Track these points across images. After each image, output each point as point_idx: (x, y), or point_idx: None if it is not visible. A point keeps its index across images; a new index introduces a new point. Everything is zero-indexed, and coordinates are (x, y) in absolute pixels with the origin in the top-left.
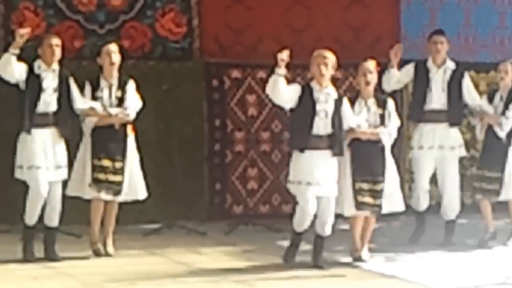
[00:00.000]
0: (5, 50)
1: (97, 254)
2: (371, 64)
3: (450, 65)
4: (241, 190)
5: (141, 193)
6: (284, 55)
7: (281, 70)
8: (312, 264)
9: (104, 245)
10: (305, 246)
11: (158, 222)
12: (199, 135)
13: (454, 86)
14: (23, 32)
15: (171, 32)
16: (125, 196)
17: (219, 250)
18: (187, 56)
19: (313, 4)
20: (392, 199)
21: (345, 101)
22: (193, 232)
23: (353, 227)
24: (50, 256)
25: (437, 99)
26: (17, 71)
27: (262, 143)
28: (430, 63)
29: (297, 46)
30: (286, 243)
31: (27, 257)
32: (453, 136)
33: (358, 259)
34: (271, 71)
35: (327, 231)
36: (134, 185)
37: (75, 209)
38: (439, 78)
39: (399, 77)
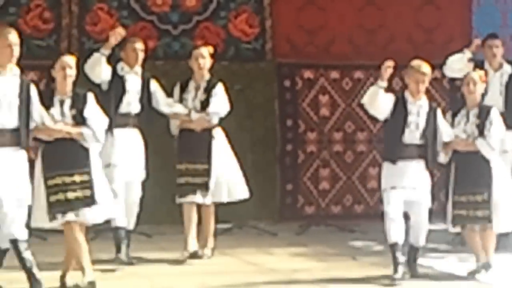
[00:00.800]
0: (80, 50)
1: (193, 256)
2: (475, 75)
3: (507, 68)
4: (313, 191)
5: (243, 193)
6: (390, 64)
7: (383, 83)
8: (408, 274)
9: (203, 247)
10: (377, 247)
11: (229, 222)
12: (271, 135)
13: (511, 90)
14: (120, 32)
15: (244, 33)
16: (227, 197)
17: (290, 250)
18: (259, 57)
19: (385, 5)
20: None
21: (439, 112)
22: (264, 233)
23: (468, 241)
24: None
25: (494, 102)
26: (104, 72)
27: (334, 143)
28: (487, 67)
29: (369, 46)
30: (358, 244)
31: None
32: (510, 139)
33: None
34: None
35: (421, 241)
36: (234, 184)
37: (144, 209)
38: (496, 82)
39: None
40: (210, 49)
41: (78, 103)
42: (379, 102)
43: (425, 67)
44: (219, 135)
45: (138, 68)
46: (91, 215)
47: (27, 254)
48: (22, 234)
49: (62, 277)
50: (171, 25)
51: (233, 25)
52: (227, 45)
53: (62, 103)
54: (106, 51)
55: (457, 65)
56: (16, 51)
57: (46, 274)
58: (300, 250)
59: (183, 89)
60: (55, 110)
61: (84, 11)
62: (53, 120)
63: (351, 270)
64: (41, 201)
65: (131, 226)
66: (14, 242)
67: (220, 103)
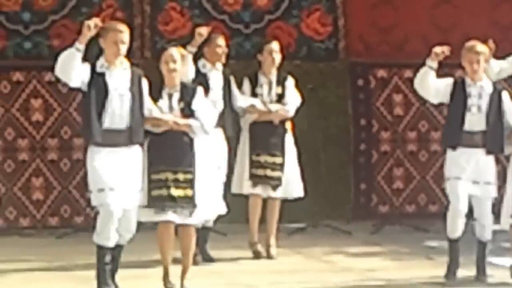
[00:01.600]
0: (152, 49)
1: (257, 256)
2: None
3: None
4: (387, 190)
5: (298, 191)
6: (439, 49)
7: (433, 63)
8: (475, 275)
9: (267, 246)
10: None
11: (303, 221)
12: (345, 134)
13: None
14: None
15: (317, 32)
16: (282, 193)
17: (364, 249)
18: (332, 56)
19: (460, 3)
20: None
21: (505, 95)
22: (338, 232)
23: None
24: (204, 256)
25: None
26: (190, 72)
27: (408, 142)
28: None
29: (444, 45)
30: (432, 243)
31: None
32: None
33: None
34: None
35: (487, 235)
36: (291, 182)
37: None
38: None
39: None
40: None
41: (187, 96)
42: (429, 83)
43: (479, 47)
44: (289, 128)
45: (219, 65)
46: (189, 216)
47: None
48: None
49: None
50: (243, 24)
51: (305, 24)
52: (299, 44)
53: (170, 96)
54: (193, 48)
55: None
56: (124, 48)
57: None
58: (374, 249)
59: (254, 84)
60: (164, 103)
61: (156, 11)
62: (161, 113)
63: (426, 270)
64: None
65: (210, 224)
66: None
67: (294, 95)
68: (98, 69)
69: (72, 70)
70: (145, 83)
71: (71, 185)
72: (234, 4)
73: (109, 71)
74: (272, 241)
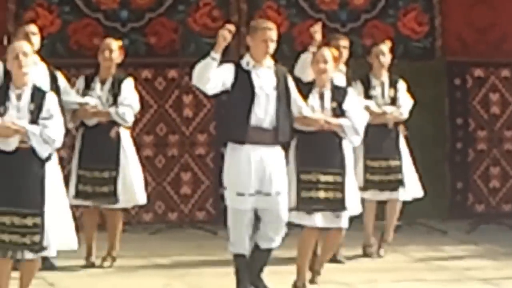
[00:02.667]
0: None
1: (367, 254)
2: None
3: None
4: (483, 189)
5: (418, 192)
6: None
7: None
8: None
9: (379, 246)
10: None
11: (399, 219)
12: (441, 133)
13: None
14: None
15: (413, 31)
16: (402, 195)
17: (461, 248)
18: (429, 55)
19: None
20: None
21: None
22: (434, 230)
23: None
24: None
25: None
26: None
27: (505, 141)
28: None
29: None
30: None
31: None
32: None
33: None
34: None
35: None
36: (410, 184)
37: None
38: None
39: None
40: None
41: (338, 96)
42: None
43: None
44: (403, 131)
45: (342, 67)
46: (337, 218)
47: None
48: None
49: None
50: (340, 23)
51: (402, 23)
52: (396, 43)
53: (321, 96)
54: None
55: None
56: (272, 46)
57: None
58: (470, 248)
59: (366, 86)
60: (315, 102)
61: (253, 9)
62: (313, 112)
63: None
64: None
65: None
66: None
67: (408, 97)
68: (244, 66)
69: (208, 80)
70: (291, 81)
71: (165, 181)
72: (331, 3)
73: (255, 70)
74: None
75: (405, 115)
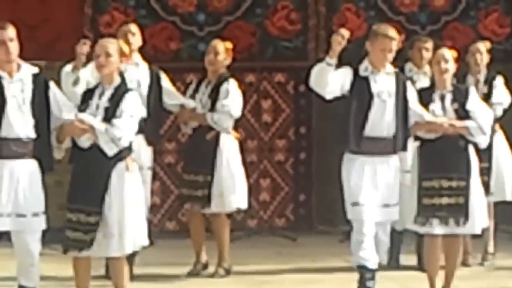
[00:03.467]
0: (328, 52)
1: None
2: None
3: None
4: None
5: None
6: None
7: None
8: None
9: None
10: None
11: None
12: None
13: None
14: None
15: (494, 33)
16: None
17: None
18: (510, 57)
19: None
20: None
21: None
22: None
23: None
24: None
25: None
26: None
27: None
28: None
29: None
30: None
31: None
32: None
33: None
34: None
35: None
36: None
37: None
38: None
39: None
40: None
41: (460, 97)
42: None
43: None
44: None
45: (427, 68)
46: (458, 225)
47: None
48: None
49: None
50: (419, 25)
51: (483, 25)
52: None
53: (442, 98)
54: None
55: None
56: (390, 56)
57: None
58: None
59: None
60: (436, 105)
61: (331, 12)
62: (434, 116)
63: None
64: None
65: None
66: None
67: (504, 93)
68: (362, 72)
69: (326, 84)
70: (411, 89)
71: None
72: (410, 5)
73: (373, 75)
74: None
75: (497, 112)
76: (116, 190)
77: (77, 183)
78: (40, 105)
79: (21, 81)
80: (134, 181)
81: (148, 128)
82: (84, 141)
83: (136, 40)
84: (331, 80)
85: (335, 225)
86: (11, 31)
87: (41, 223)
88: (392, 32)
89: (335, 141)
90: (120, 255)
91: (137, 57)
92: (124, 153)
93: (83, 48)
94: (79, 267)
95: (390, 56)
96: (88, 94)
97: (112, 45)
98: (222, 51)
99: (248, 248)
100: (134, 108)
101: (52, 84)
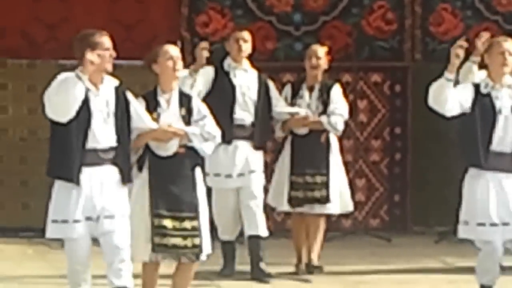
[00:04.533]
0: (423, 51)
1: None
2: None
3: None
4: None
5: None
6: None
7: None
8: None
9: None
10: None
11: None
12: None
13: None
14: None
15: None
16: None
17: None
18: None
19: None
20: None
21: None
22: None
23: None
24: None
25: None
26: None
27: None
28: None
29: None
30: None
31: None
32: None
33: None
34: None
35: None
36: None
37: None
38: None
39: None
40: None
41: None
42: None
43: None
44: None
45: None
46: None
47: None
48: None
49: None
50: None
51: None
52: None
53: None
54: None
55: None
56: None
57: None
58: None
59: None
60: None
61: (427, 12)
62: None
63: None
64: None
65: None
66: None
67: None
68: (483, 90)
69: (445, 102)
70: None
71: None
72: (508, 5)
73: (495, 92)
74: None
75: None
76: (201, 195)
77: (165, 190)
78: (122, 117)
79: (105, 95)
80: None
81: (257, 134)
82: (170, 148)
83: (248, 47)
84: (450, 97)
85: (430, 226)
86: (109, 41)
87: (127, 224)
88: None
89: (431, 142)
90: (204, 259)
91: (246, 63)
92: (203, 158)
93: (204, 52)
94: (153, 270)
95: (508, 69)
96: (151, 102)
97: (177, 49)
98: (323, 55)
99: (342, 248)
100: (206, 109)
101: (130, 95)
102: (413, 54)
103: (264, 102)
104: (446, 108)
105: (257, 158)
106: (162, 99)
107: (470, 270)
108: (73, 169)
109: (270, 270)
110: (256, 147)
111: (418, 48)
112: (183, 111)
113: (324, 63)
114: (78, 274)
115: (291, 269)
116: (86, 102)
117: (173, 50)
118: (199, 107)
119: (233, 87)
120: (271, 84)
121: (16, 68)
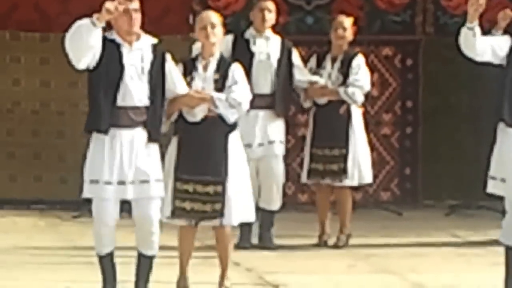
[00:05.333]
0: (435, 25)
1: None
2: None
3: None
4: None
5: None
6: None
7: None
8: None
9: None
10: None
11: None
12: None
13: None
14: None
15: None
16: None
17: None
18: None
19: None
20: None
21: None
22: None
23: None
24: None
25: None
26: None
27: None
28: None
29: None
30: None
31: None
32: None
33: None
34: None
35: None
36: None
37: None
38: None
39: None
40: None
41: None
42: None
43: None
44: None
45: None
46: None
47: None
48: None
49: None
50: None
51: None
52: None
53: None
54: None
55: None
56: None
57: None
58: None
59: None
60: None
61: None
62: None
63: None
64: None
65: None
66: None
67: None
68: None
69: (473, 46)
70: None
71: None
72: None
73: None
74: None
75: None
76: (234, 161)
77: (191, 155)
78: (157, 76)
79: (140, 50)
80: (243, 154)
81: (277, 101)
82: (198, 113)
83: (271, 17)
84: (477, 43)
85: (441, 199)
86: (136, 2)
87: (161, 190)
88: None
89: (442, 115)
90: (235, 224)
91: (268, 31)
92: (235, 124)
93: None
94: (188, 236)
95: None
96: (189, 67)
97: (215, 16)
98: (349, 26)
99: (353, 221)
100: (244, 78)
101: (168, 57)
102: (425, 27)
103: (285, 69)
104: (476, 53)
105: (278, 127)
106: (199, 64)
107: (481, 243)
108: (103, 120)
109: (280, 242)
110: (278, 116)
111: (429, 22)
112: (217, 76)
113: (349, 34)
114: (101, 237)
115: (301, 241)
116: (119, 56)
117: (207, 18)
118: (234, 73)
119: (251, 54)
120: (294, 52)
121: (29, 41)
